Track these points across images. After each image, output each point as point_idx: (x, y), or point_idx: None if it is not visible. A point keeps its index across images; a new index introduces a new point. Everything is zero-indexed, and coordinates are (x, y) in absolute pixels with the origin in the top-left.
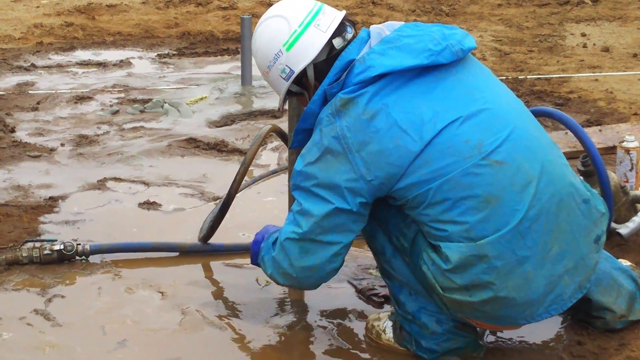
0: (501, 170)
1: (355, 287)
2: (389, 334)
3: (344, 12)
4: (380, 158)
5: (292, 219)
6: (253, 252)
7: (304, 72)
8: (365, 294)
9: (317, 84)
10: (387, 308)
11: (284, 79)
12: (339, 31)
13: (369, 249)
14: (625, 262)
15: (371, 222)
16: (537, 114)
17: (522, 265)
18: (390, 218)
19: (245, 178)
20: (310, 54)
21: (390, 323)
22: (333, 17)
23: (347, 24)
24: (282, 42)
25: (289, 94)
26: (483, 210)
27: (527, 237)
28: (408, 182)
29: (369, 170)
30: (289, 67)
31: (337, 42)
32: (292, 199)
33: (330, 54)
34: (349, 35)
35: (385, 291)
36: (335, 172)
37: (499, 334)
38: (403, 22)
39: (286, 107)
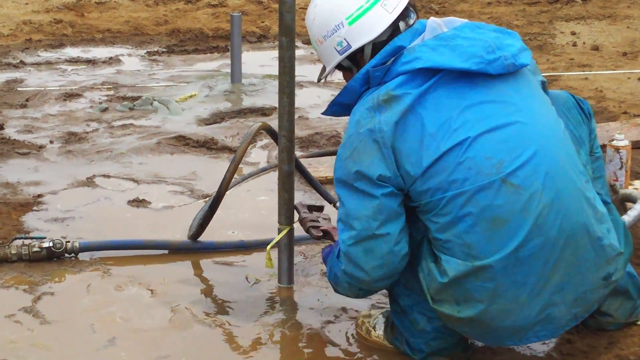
0: (515, 193)
1: (299, 213)
2: (378, 331)
3: None
4: (402, 155)
5: (343, 226)
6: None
7: (361, 50)
8: (305, 225)
9: (357, 57)
10: (378, 305)
11: (338, 52)
12: (403, 15)
13: None
14: None
15: None
16: None
17: (517, 290)
18: None
19: (235, 176)
20: (374, 32)
21: (382, 320)
22: (400, 0)
23: (411, 9)
24: (347, 15)
25: (338, 67)
26: (488, 230)
27: (525, 265)
28: (424, 187)
29: (398, 166)
30: (347, 42)
31: (402, 26)
32: (282, 197)
33: (391, 35)
34: (411, 21)
35: (327, 225)
36: (370, 163)
37: None
38: (464, 20)
39: (330, 78)
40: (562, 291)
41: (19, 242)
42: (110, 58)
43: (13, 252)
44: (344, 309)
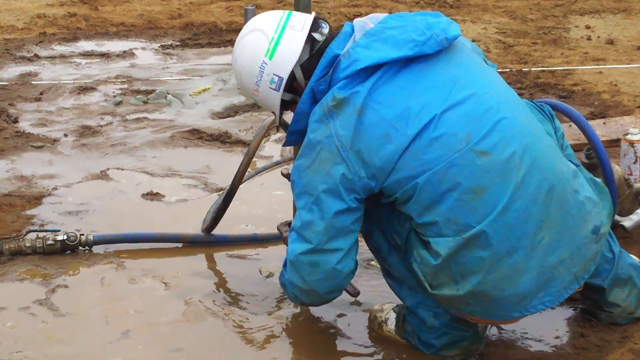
0: (487, 160)
1: (281, 234)
2: (390, 326)
3: (313, 14)
4: (370, 153)
5: (296, 236)
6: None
7: (292, 77)
8: (281, 230)
9: (305, 84)
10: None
11: (274, 89)
12: (315, 27)
13: None
14: (633, 258)
15: (367, 220)
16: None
17: (511, 256)
18: (384, 217)
19: (249, 169)
20: (294, 54)
21: (393, 315)
22: (305, 17)
23: (320, 20)
24: (264, 53)
25: (284, 106)
26: (470, 201)
27: (515, 228)
28: (398, 177)
29: (362, 166)
30: (277, 75)
31: (318, 37)
32: None
33: (312, 50)
34: (325, 30)
35: None
36: (329, 171)
37: (501, 326)
38: (386, 14)
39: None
40: (555, 251)
41: (33, 235)
42: (124, 52)
43: (27, 244)
44: (356, 303)
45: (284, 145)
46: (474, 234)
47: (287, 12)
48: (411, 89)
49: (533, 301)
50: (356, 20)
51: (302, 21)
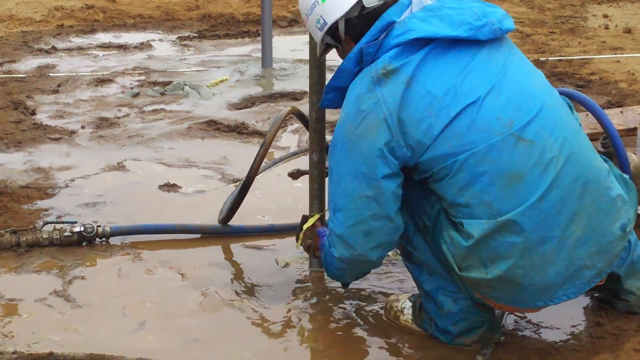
0: (528, 148)
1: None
2: (407, 315)
3: None
4: (412, 125)
5: (339, 207)
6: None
7: (336, 26)
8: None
9: (348, 39)
10: (405, 290)
11: (318, 28)
12: None
13: None
14: None
15: None
16: None
17: (542, 245)
18: (414, 197)
19: (265, 160)
20: (342, 8)
21: (409, 304)
22: None
23: None
24: None
25: (327, 46)
26: (505, 187)
27: (548, 218)
28: (436, 153)
29: (404, 136)
30: (323, 18)
31: (368, 2)
32: (313, 179)
33: (361, 11)
34: None
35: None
36: (375, 136)
37: (518, 315)
38: None
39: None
40: (585, 244)
41: (50, 226)
42: (142, 43)
43: (45, 236)
44: (373, 293)
45: (320, 107)
46: (507, 219)
47: None
48: (459, 69)
49: (558, 292)
50: None
51: None
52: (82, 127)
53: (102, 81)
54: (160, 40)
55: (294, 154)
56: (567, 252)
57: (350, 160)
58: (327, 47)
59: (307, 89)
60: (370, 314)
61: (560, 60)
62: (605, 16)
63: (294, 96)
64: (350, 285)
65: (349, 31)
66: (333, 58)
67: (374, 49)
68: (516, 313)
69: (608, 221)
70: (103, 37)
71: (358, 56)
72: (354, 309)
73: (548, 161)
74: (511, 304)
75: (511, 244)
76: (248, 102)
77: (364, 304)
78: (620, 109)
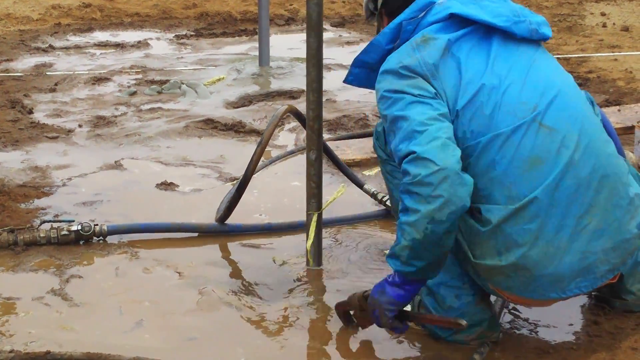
0: (550, 135)
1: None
2: None
3: None
4: (445, 91)
5: (407, 136)
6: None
7: None
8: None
9: (383, 13)
10: None
11: None
12: None
13: (383, 229)
14: None
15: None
16: None
17: (557, 233)
18: None
19: (262, 159)
20: None
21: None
22: None
23: None
24: None
25: (371, 13)
26: (525, 171)
27: (562, 206)
28: (462, 129)
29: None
30: None
31: None
32: (310, 178)
33: None
34: None
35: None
36: (423, 85)
37: (515, 314)
38: None
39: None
40: (600, 238)
41: (47, 225)
42: (139, 42)
43: (42, 235)
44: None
45: (345, 80)
46: (523, 204)
47: None
48: (492, 55)
49: (571, 284)
50: None
51: None
52: (80, 126)
53: (99, 80)
54: (158, 38)
55: (291, 153)
56: (582, 244)
57: (407, 90)
58: (371, 15)
59: (304, 88)
60: None
61: (557, 58)
62: (603, 14)
63: (291, 95)
64: (348, 283)
65: (386, 4)
66: (331, 57)
67: (412, 26)
68: (514, 311)
69: (625, 219)
70: (100, 36)
71: (394, 32)
72: None
73: (563, 148)
74: (523, 294)
75: (527, 230)
76: (245, 101)
77: None
78: (618, 107)
